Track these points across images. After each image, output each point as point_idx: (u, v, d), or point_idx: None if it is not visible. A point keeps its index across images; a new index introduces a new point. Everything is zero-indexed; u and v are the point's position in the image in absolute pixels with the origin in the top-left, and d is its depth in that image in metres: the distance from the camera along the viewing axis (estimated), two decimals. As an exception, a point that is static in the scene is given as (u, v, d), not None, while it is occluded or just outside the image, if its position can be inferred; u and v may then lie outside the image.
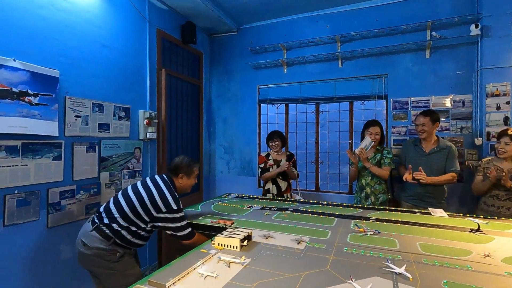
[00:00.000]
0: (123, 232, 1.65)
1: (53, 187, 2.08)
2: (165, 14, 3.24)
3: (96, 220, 1.68)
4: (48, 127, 2.01)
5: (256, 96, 3.91)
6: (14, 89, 1.81)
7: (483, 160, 2.48)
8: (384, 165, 2.63)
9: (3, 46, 1.80)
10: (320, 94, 3.59)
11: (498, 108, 2.70)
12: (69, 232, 2.16)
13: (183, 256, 1.35)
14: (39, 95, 1.96)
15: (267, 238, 1.57)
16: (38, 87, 1.95)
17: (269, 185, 3.00)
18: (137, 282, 1.11)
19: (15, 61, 1.82)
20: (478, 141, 2.74)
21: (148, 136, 2.87)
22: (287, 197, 2.96)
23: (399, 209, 2.33)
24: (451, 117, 2.96)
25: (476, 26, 2.72)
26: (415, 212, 2.17)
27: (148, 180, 1.80)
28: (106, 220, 1.65)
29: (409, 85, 3.12)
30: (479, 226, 1.70)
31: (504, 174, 2.19)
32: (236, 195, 2.87)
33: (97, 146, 2.41)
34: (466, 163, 2.86)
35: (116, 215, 1.65)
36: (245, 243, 1.46)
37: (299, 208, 2.27)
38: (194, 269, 1.20)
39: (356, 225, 1.77)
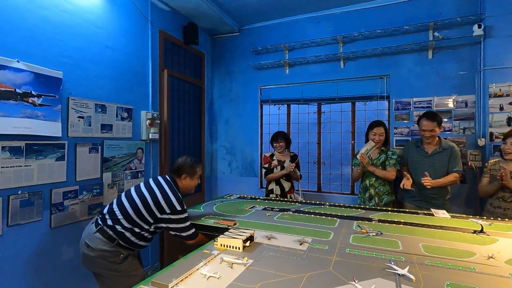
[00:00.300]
0: (127, 234, 1.65)
1: (56, 188, 2.09)
2: (167, 15, 3.26)
3: (100, 222, 1.68)
4: (51, 128, 2.02)
5: (258, 96, 3.91)
6: (17, 90, 1.82)
7: (489, 161, 2.44)
8: (389, 167, 2.60)
9: (7, 47, 1.82)
10: (322, 94, 3.59)
11: (501, 108, 2.68)
12: (72, 232, 2.18)
13: (186, 257, 1.35)
14: (43, 96, 1.97)
15: (269, 239, 1.57)
16: (41, 88, 1.96)
17: (272, 186, 3.00)
18: (140, 282, 1.12)
19: (18, 62, 1.84)
20: (481, 142, 2.73)
21: (150, 137, 2.88)
22: (291, 198, 2.96)
23: (401, 210, 2.32)
24: (454, 118, 2.95)
25: (479, 26, 2.71)
26: (417, 213, 2.16)
27: (151, 181, 1.80)
28: (109, 222, 1.66)
29: (412, 85, 3.11)
30: (482, 227, 1.69)
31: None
32: (238, 195, 2.87)
33: (99, 147, 2.42)
34: (469, 164, 2.84)
35: (120, 216, 1.66)
36: (247, 244, 1.45)
37: (301, 209, 2.27)
38: (197, 269, 1.20)
39: (358, 226, 1.76)
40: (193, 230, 1.75)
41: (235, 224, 1.82)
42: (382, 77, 3.28)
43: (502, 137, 2.44)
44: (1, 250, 1.80)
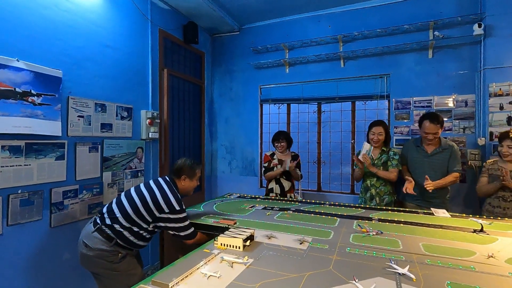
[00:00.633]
0: (125, 233, 1.65)
1: (56, 187, 2.09)
2: (167, 14, 3.25)
3: (98, 221, 1.68)
4: (51, 127, 2.02)
5: (258, 96, 3.91)
6: (17, 89, 1.82)
7: (487, 161, 2.44)
8: (391, 167, 2.58)
9: (7, 46, 1.81)
10: (322, 94, 3.59)
11: (501, 108, 2.68)
12: (72, 232, 2.17)
13: (186, 256, 1.35)
14: (42, 95, 1.96)
15: (269, 238, 1.57)
16: (41, 87, 1.95)
17: (272, 185, 3.00)
18: (141, 282, 1.12)
19: (18, 61, 1.83)
20: (481, 141, 2.73)
21: (150, 136, 2.87)
22: (291, 197, 2.96)
23: (401, 209, 2.32)
24: (454, 117, 2.95)
25: (479, 26, 2.70)
26: (417, 213, 2.16)
27: (151, 182, 1.80)
28: (108, 221, 1.66)
29: (412, 85, 3.11)
30: (482, 227, 1.69)
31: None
32: (238, 195, 2.87)
33: (99, 146, 2.42)
34: (469, 163, 2.85)
35: (118, 215, 1.65)
36: (247, 243, 1.45)
37: (301, 208, 2.27)
38: (197, 269, 1.20)
39: (358, 225, 1.76)
40: (192, 229, 1.75)
41: (235, 223, 1.82)
42: (382, 77, 3.28)
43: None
44: (1, 250, 1.80)
